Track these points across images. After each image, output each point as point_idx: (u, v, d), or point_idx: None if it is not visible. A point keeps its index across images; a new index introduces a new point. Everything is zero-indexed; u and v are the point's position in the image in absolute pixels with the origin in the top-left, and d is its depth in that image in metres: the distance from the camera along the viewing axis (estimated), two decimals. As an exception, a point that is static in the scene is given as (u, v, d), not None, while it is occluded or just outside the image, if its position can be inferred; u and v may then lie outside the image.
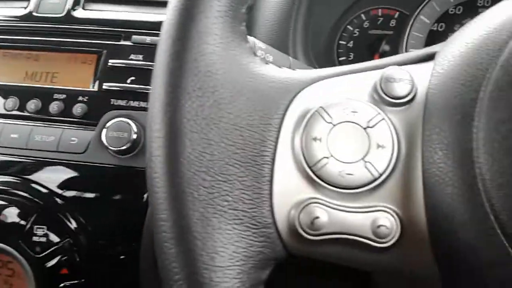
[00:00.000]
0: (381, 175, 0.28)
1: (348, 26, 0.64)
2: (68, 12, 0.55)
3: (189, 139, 0.27)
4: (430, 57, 0.29)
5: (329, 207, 0.28)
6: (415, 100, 0.28)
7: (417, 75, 0.29)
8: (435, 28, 0.61)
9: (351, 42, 0.64)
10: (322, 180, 0.28)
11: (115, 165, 0.51)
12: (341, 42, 0.65)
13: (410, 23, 0.61)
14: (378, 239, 0.27)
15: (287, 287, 0.43)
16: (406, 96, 0.28)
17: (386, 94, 0.28)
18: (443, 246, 0.27)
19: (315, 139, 0.28)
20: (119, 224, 0.53)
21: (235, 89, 0.28)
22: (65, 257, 0.52)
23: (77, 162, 0.52)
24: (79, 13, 0.55)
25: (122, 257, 0.53)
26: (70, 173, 0.53)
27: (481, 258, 0.25)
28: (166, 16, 0.28)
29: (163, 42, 0.28)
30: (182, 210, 0.26)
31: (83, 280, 0.53)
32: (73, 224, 0.52)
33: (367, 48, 0.64)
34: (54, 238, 0.51)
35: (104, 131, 0.50)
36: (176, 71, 0.27)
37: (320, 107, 0.29)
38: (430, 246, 0.27)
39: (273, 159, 0.28)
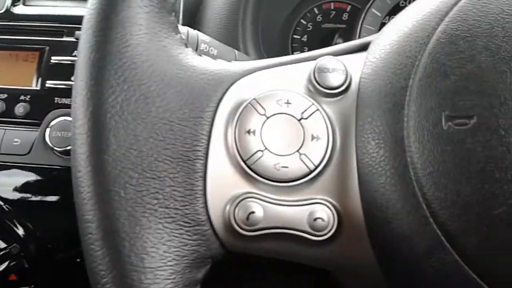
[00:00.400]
0: (316, 167, 0.27)
1: (302, 20, 0.64)
2: (8, 8, 0.53)
3: (114, 135, 0.25)
4: (364, 47, 0.29)
5: (264, 201, 0.27)
6: (350, 90, 0.28)
7: (351, 65, 0.28)
8: (386, 21, 0.61)
9: (305, 36, 0.64)
10: (257, 174, 0.27)
11: (61, 166, 0.50)
12: (295, 36, 0.64)
13: (362, 16, 0.61)
14: (315, 232, 0.27)
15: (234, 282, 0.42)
16: (340, 86, 0.28)
17: (320, 85, 0.28)
18: (378, 237, 0.26)
19: (248, 132, 0.27)
20: (69, 227, 0.51)
21: (163, 82, 0.27)
22: (14, 263, 0.50)
23: (21, 164, 0.50)
24: (19, 9, 0.53)
25: (73, 260, 0.51)
26: (14, 176, 0.51)
27: (415, 248, 0.25)
28: (87, 5, 0.27)
29: (84, 32, 0.26)
30: (109, 210, 0.25)
31: (33, 286, 0.51)
32: (20, 230, 0.50)
33: (321, 42, 0.64)
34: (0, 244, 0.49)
35: (48, 130, 0.49)
36: (98, 63, 0.26)
37: (254, 99, 0.28)
38: (368, 238, 0.27)
39: (206, 154, 0.27)
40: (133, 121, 0.26)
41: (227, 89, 0.28)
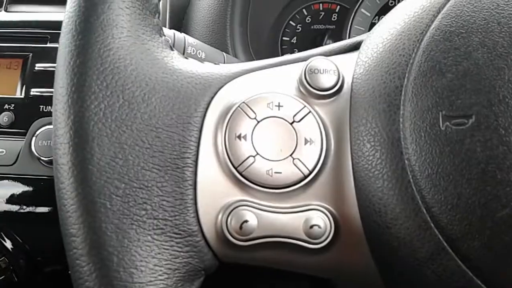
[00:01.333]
0: (311, 172, 0.26)
1: (291, 22, 0.63)
2: (-11, 15, 0.52)
3: (98, 144, 0.24)
4: (356, 47, 0.28)
5: (258, 209, 0.26)
6: (342, 91, 0.27)
7: (343, 65, 0.27)
8: (376, 21, 0.61)
9: (295, 38, 0.63)
10: (249, 181, 0.26)
11: (48, 176, 0.49)
12: (284, 38, 0.63)
13: (351, 16, 0.61)
14: (311, 240, 0.26)
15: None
16: (333, 87, 0.27)
17: (311, 86, 0.27)
18: (377, 243, 0.25)
19: (239, 137, 0.26)
20: (58, 239, 0.50)
21: (148, 86, 0.26)
22: (2, 277, 0.49)
23: (7, 175, 0.49)
24: (1, 16, 0.52)
25: (63, 273, 0.50)
26: (0, 187, 0.49)
27: (416, 253, 0.24)
28: (66, 8, 0.26)
29: (63, 37, 0.25)
30: (94, 223, 0.24)
31: (23, 300, 0.50)
32: (8, 243, 0.49)
33: (310, 43, 0.63)
34: (-12, 258, 0.48)
35: (34, 140, 0.48)
36: (79, 68, 0.24)
37: (243, 102, 0.27)
38: (367, 244, 0.26)
39: (196, 161, 0.26)
40: (117, 128, 0.25)
41: (215, 93, 0.27)
